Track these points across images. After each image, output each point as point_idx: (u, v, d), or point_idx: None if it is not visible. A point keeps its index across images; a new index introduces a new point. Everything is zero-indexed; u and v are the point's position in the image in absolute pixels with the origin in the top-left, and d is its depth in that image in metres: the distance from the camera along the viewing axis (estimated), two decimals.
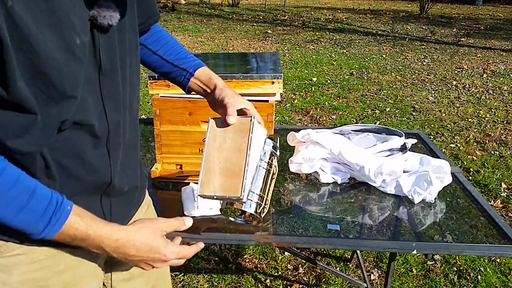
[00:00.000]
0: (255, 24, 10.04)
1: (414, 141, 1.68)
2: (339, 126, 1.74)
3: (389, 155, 1.54)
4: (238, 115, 0.91)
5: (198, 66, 1.01)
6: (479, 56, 7.02)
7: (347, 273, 2.21)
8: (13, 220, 0.66)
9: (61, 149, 0.74)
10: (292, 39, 8.34)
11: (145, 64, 1.03)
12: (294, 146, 1.73)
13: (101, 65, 0.74)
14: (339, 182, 1.52)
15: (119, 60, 0.78)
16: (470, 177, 3.15)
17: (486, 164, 3.36)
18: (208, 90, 1.00)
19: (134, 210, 0.98)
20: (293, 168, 1.55)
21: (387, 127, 1.69)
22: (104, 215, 0.85)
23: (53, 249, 0.80)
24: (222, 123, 0.92)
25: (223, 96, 0.94)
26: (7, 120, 0.65)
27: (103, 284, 0.99)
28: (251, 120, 0.91)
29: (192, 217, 1.31)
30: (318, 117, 4.29)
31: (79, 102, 0.70)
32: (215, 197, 0.88)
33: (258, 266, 2.27)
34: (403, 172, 1.50)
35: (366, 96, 4.94)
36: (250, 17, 11.04)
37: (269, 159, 0.99)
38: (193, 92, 1.04)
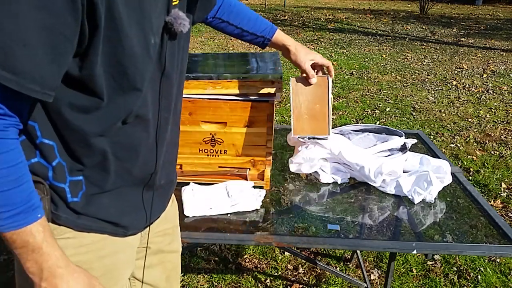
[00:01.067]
0: None
1: (414, 141, 1.68)
2: (339, 126, 1.74)
3: (389, 155, 1.54)
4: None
5: (272, 33, 1.27)
6: (479, 56, 7.02)
7: (347, 273, 2.21)
8: None
9: (121, 143, 0.80)
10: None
11: (224, 33, 1.25)
12: (294, 146, 1.73)
13: (165, 66, 0.80)
14: (339, 182, 1.52)
15: (177, 64, 0.86)
16: (470, 177, 3.15)
17: (486, 164, 3.36)
18: (283, 51, 1.32)
19: (167, 203, 1.04)
20: (293, 168, 1.55)
21: (387, 127, 1.70)
22: (144, 208, 0.91)
23: (99, 235, 0.85)
24: (302, 80, 1.32)
25: (298, 60, 1.28)
26: (73, 98, 0.71)
27: None
28: (327, 79, 1.33)
29: (192, 217, 1.31)
30: None
31: (142, 97, 0.77)
32: (308, 137, 1.33)
33: (258, 266, 2.27)
34: (403, 172, 1.50)
35: (366, 96, 4.94)
36: None
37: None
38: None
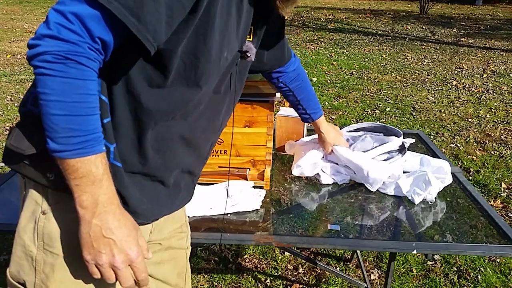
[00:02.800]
0: None
1: (412, 140, 1.68)
2: (339, 127, 1.74)
3: (388, 158, 1.53)
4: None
5: (317, 117, 1.48)
6: (479, 56, 7.02)
7: (347, 273, 2.21)
8: (66, 118, 0.67)
9: (163, 135, 0.84)
10: (292, 39, 8.33)
11: (283, 96, 1.43)
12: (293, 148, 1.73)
13: (230, 85, 0.92)
14: (339, 183, 1.52)
15: (235, 86, 0.96)
16: (470, 177, 3.15)
17: (486, 164, 3.36)
18: (316, 131, 1.54)
19: (180, 203, 1.03)
20: (296, 172, 1.54)
21: (385, 125, 1.69)
22: (160, 201, 0.92)
23: None
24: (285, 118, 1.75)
25: (325, 143, 1.54)
26: (145, 66, 0.75)
27: None
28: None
29: (192, 217, 1.31)
30: None
31: (198, 97, 0.84)
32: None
33: (258, 266, 2.27)
34: (403, 172, 1.50)
35: (366, 96, 4.94)
36: None
37: None
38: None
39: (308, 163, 1.53)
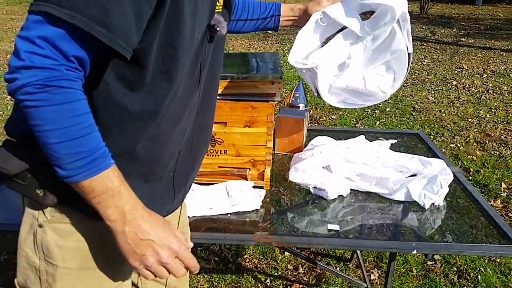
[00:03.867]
0: None
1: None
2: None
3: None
4: None
5: (279, 7, 1.28)
6: (479, 56, 7.02)
7: (347, 273, 2.21)
8: (65, 145, 0.67)
9: (152, 133, 0.82)
10: (292, 39, 8.32)
11: (241, 33, 1.28)
12: (294, 148, 1.73)
13: (201, 66, 0.85)
14: (344, 196, 1.45)
15: (210, 67, 0.91)
16: (470, 177, 3.15)
17: (486, 164, 3.36)
18: (297, 17, 1.30)
19: (180, 201, 1.03)
20: (294, 177, 1.51)
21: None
22: (160, 200, 0.92)
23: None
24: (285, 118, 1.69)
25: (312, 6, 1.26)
26: (121, 70, 0.73)
27: None
28: (304, 120, 1.68)
29: (192, 217, 1.31)
30: (318, 117, 4.28)
31: (177, 88, 0.80)
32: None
33: (258, 266, 2.27)
34: (408, 176, 1.49)
35: None
36: None
37: None
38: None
39: (308, 168, 1.49)
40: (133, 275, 1.05)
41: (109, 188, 0.71)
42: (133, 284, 1.09)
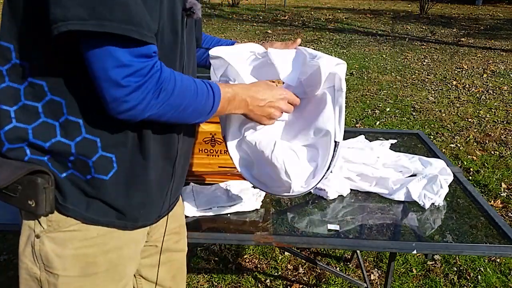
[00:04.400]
0: (255, 24, 10.03)
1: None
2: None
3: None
4: None
5: (232, 44, 1.22)
6: (479, 56, 7.02)
7: (347, 273, 2.21)
8: (199, 105, 0.82)
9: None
10: (292, 39, 8.32)
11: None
12: None
13: (181, 49, 0.85)
14: (344, 196, 1.46)
15: (190, 53, 0.91)
16: (470, 177, 3.15)
17: (486, 164, 3.36)
18: None
19: (178, 197, 1.05)
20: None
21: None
22: (161, 200, 0.93)
23: (105, 228, 0.85)
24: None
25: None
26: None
27: None
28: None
29: (192, 217, 1.31)
30: None
31: None
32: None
33: (258, 266, 2.27)
34: (408, 176, 1.49)
35: (366, 96, 4.94)
36: (250, 17, 11.04)
37: None
38: None
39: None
40: None
41: (230, 97, 0.88)
42: None
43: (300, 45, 1.16)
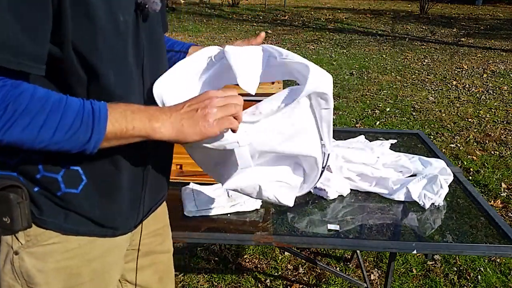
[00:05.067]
0: (255, 24, 10.04)
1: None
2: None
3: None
4: None
5: (190, 45, 1.10)
6: (479, 56, 7.02)
7: (347, 273, 2.21)
8: (57, 134, 0.66)
9: None
10: (292, 39, 8.33)
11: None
12: None
13: (143, 48, 0.79)
14: (344, 196, 1.46)
15: (156, 47, 0.84)
16: (470, 177, 3.15)
17: (486, 164, 3.36)
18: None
19: (159, 201, 1.01)
20: None
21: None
22: (136, 206, 0.89)
23: (86, 237, 0.83)
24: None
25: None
26: (62, 79, 0.70)
27: None
28: None
29: (192, 217, 1.31)
30: None
31: (124, 81, 0.76)
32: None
33: (258, 266, 2.27)
34: (408, 176, 1.49)
35: (366, 96, 4.94)
36: (250, 17, 11.04)
37: None
38: None
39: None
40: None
41: (126, 110, 0.70)
42: None
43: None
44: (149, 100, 0.81)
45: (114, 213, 0.85)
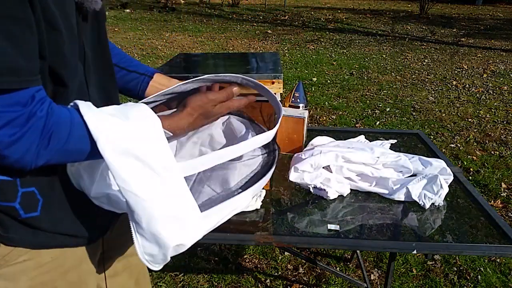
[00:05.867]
0: (255, 24, 10.03)
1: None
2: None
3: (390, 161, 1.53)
4: None
5: (155, 71, 1.06)
6: (479, 56, 7.02)
7: (347, 273, 2.21)
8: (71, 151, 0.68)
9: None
10: (292, 39, 8.33)
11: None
12: (294, 148, 1.72)
13: (85, 51, 0.77)
14: (344, 196, 1.46)
15: (97, 50, 0.82)
16: (470, 177, 3.15)
17: (486, 164, 3.36)
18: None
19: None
20: (294, 176, 1.50)
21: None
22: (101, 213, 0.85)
23: (57, 250, 0.80)
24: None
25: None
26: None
27: None
28: (304, 120, 1.47)
29: None
30: (318, 117, 4.28)
31: (79, 83, 0.75)
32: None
33: (258, 266, 2.27)
34: (408, 176, 1.49)
35: (366, 96, 4.94)
36: (250, 17, 11.04)
37: None
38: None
39: (308, 168, 1.49)
40: None
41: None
42: None
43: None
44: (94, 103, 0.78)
45: (81, 222, 0.82)
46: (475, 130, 4.05)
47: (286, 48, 7.43)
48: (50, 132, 0.64)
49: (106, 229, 0.91)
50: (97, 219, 0.86)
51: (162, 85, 1.04)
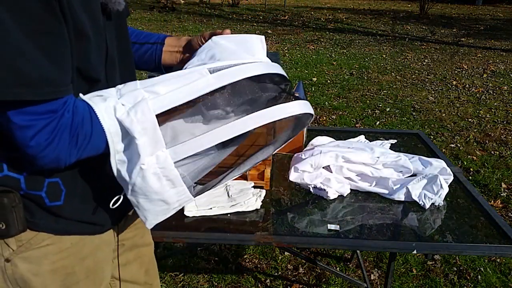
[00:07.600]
0: (255, 24, 10.03)
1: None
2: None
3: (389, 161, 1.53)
4: None
5: (165, 36, 1.08)
6: (479, 56, 7.02)
7: (347, 273, 2.21)
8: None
9: None
10: (292, 39, 8.33)
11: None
12: (294, 148, 1.72)
13: (107, 50, 0.79)
14: (344, 196, 1.46)
15: (120, 46, 0.85)
16: (470, 177, 3.15)
17: (486, 164, 3.36)
18: (181, 48, 1.06)
19: None
20: (294, 176, 1.50)
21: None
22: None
23: (76, 236, 0.84)
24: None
25: (206, 34, 0.99)
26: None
27: None
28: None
29: (192, 217, 1.31)
30: (318, 117, 4.29)
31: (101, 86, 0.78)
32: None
33: (258, 266, 2.27)
34: (408, 176, 1.49)
35: (366, 96, 4.94)
36: (250, 17, 11.03)
37: None
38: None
39: (308, 168, 1.49)
40: None
41: None
42: None
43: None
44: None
45: (100, 211, 0.86)
46: (475, 130, 4.05)
47: (286, 48, 7.43)
48: (77, 130, 0.70)
49: (121, 217, 0.95)
50: (114, 211, 0.89)
51: (174, 46, 1.06)
